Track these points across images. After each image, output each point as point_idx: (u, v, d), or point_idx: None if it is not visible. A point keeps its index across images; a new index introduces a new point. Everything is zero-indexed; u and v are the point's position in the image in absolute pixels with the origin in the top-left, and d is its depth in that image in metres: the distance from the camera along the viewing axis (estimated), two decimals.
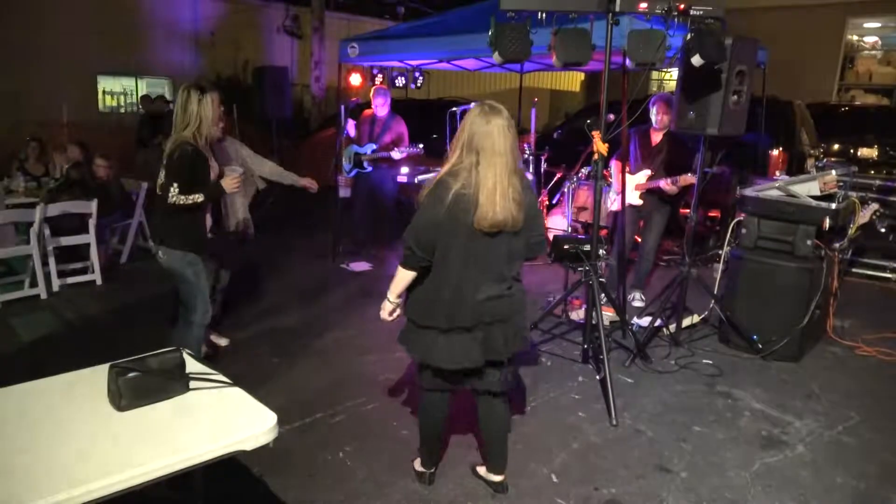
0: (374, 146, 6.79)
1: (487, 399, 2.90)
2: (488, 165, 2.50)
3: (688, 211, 5.30)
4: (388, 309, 2.83)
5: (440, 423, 2.99)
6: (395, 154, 6.58)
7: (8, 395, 2.09)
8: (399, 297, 2.79)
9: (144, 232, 6.91)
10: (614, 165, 5.50)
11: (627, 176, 5.32)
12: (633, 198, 5.47)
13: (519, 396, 3.89)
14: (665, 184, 5.24)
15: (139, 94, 14.13)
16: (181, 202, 3.36)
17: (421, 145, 6.57)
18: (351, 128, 6.97)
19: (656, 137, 5.45)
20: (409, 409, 3.77)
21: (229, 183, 3.58)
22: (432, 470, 3.09)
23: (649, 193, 5.46)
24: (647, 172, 5.41)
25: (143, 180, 6.86)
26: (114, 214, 6.50)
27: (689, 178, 5.10)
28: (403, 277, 2.70)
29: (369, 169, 6.89)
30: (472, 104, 6.00)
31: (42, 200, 5.74)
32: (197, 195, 3.40)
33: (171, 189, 3.34)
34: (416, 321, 2.71)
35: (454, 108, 6.02)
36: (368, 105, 6.98)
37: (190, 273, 3.56)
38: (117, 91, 15.88)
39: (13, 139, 8.87)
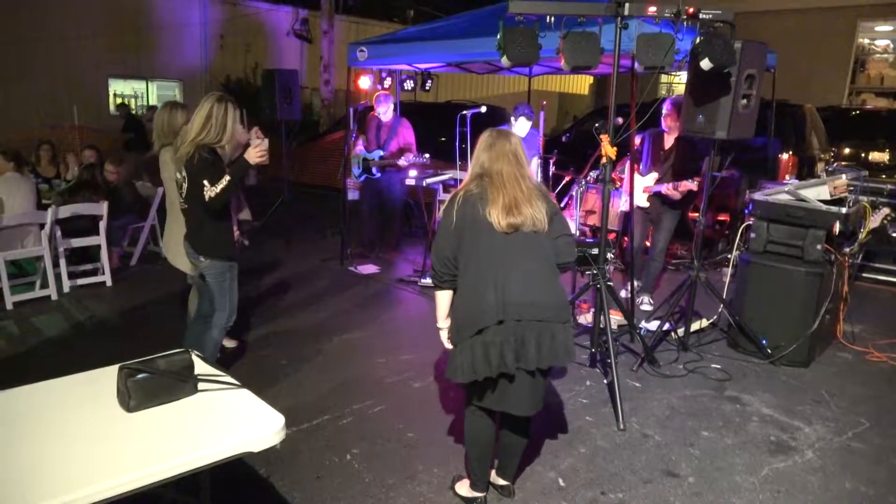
0: (382, 153, 6.81)
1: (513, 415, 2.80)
2: (498, 183, 2.60)
3: (696, 215, 5.28)
4: (444, 337, 2.79)
5: (490, 444, 2.86)
6: (402, 162, 6.60)
7: (17, 396, 2.11)
8: (447, 320, 2.75)
9: (156, 235, 6.96)
10: (626, 168, 5.50)
11: (637, 177, 5.32)
12: (641, 200, 5.46)
13: None
14: (666, 189, 5.23)
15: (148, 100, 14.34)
16: (214, 194, 3.24)
17: (427, 155, 6.57)
18: (360, 146, 6.97)
19: (668, 141, 5.45)
20: (417, 412, 3.78)
21: (254, 154, 3.33)
22: (484, 494, 2.93)
23: (655, 196, 5.46)
24: (655, 175, 5.40)
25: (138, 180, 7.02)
26: (125, 217, 6.56)
27: (687, 185, 5.10)
28: (439, 299, 2.75)
29: (378, 175, 6.91)
30: (482, 107, 6.11)
31: (54, 202, 5.79)
32: (223, 179, 3.26)
33: (205, 189, 3.24)
34: (456, 342, 2.65)
35: (464, 112, 6.02)
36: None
37: (227, 278, 3.57)
38: (128, 94, 16.01)
39: (25, 142, 8.94)
